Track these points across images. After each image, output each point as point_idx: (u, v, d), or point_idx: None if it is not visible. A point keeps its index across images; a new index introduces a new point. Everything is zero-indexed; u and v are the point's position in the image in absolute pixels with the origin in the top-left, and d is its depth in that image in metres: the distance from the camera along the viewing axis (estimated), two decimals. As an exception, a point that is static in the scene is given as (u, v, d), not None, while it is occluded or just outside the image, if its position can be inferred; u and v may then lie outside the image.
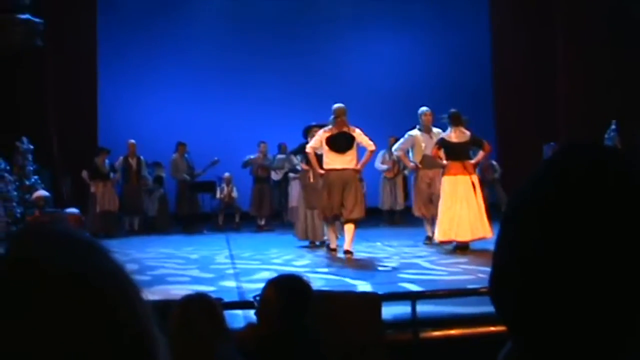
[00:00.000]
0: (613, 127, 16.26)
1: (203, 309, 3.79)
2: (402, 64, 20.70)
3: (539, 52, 19.72)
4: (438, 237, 11.90)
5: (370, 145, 11.67)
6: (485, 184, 12.89)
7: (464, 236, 11.55)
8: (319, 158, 11.80)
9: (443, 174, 11.95)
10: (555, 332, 0.94)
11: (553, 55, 19.45)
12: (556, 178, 0.99)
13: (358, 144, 11.67)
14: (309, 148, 11.91)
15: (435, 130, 12.84)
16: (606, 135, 16.20)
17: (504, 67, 20.45)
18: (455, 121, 11.93)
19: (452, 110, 12.05)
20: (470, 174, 11.72)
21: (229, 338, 3.83)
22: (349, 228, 11.48)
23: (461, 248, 11.57)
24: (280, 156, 17.37)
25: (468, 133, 11.93)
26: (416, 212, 13.17)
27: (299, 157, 13.82)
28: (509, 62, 20.27)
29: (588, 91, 18.32)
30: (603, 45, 18.10)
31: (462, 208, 11.52)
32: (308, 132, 12.79)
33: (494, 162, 17.24)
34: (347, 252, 11.31)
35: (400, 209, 17.34)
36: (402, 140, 13.27)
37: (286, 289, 4.32)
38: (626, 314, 0.93)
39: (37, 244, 0.77)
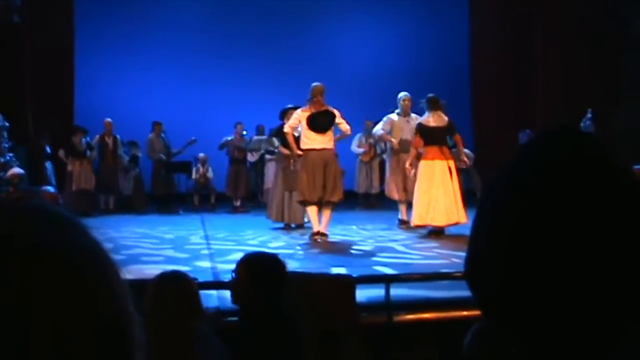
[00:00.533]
0: (589, 115, 16.32)
1: (178, 288, 3.73)
2: (380, 49, 20.69)
3: (517, 39, 19.75)
4: (414, 221, 11.93)
5: (347, 130, 11.67)
6: (461, 170, 12.90)
7: (439, 221, 11.58)
8: (296, 138, 11.67)
9: (420, 158, 11.95)
10: (533, 314, 0.96)
11: (531, 42, 19.49)
12: (534, 162, 1.00)
13: (335, 126, 11.51)
14: (287, 127, 11.75)
15: (413, 115, 12.85)
16: (582, 124, 16.26)
17: (483, 54, 20.49)
18: (433, 105, 11.93)
19: (430, 94, 12.07)
20: (447, 159, 11.73)
21: (205, 317, 3.80)
22: (326, 212, 11.33)
23: (436, 232, 11.62)
24: (256, 137, 17.34)
25: (446, 118, 11.95)
26: (394, 196, 13.18)
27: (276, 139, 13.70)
28: (487, 49, 20.30)
29: (565, 79, 18.38)
30: (581, 34, 18.15)
31: (438, 193, 11.53)
32: (285, 115, 12.72)
33: (466, 150, 17.20)
34: (322, 234, 11.23)
35: (376, 192, 17.35)
36: (381, 122, 13.30)
37: (259, 267, 4.27)
38: (609, 295, 0.94)
39: (13, 220, 0.76)
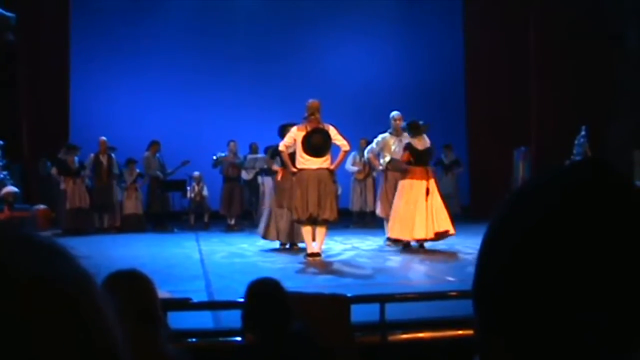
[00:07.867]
0: (583, 132, 16.32)
1: (131, 286, 3.32)
2: (374, 67, 20.75)
3: (511, 56, 19.78)
4: (392, 234, 12.29)
5: (345, 145, 11.35)
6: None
7: (418, 234, 11.86)
8: (292, 156, 11.45)
9: (404, 177, 12.14)
10: (543, 338, 0.95)
11: (525, 59, 19.53)
12: (552, 186, 1.00)
13: (334, 146, 11.31)
14: (281, 146, 11.55)
15: (405, 134, 12.86)
16: (576, 142, 16.28)
17: (477, 71, 20.49)
18: (415, 131, 12.46)
19: (410, 121, 12.56)
20: (428, 179, 12.13)
21: (163, 324, 3.46)
22: (320, 230, 11.18)
23: (420, 246, 12.13)
24: (251, 156, 17.32)
25: (429, 141, 12.46)
26: (381, 213, 13.22)
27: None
28: (481, 66, 20.31)
29: (559, 96, 18.42)
30: (574, 49, 18.20)
31: (408, 209, 11.87)
32: (283, 131, 12.37)
33: None
34: (316, 254, 11.08)
35: (371, 211, 17.32)
36: (374, 142, 13.37)
37: (258, 295, 4.18)
38: (618, 318, 0.93)
39: (4, 250, 0.74)
